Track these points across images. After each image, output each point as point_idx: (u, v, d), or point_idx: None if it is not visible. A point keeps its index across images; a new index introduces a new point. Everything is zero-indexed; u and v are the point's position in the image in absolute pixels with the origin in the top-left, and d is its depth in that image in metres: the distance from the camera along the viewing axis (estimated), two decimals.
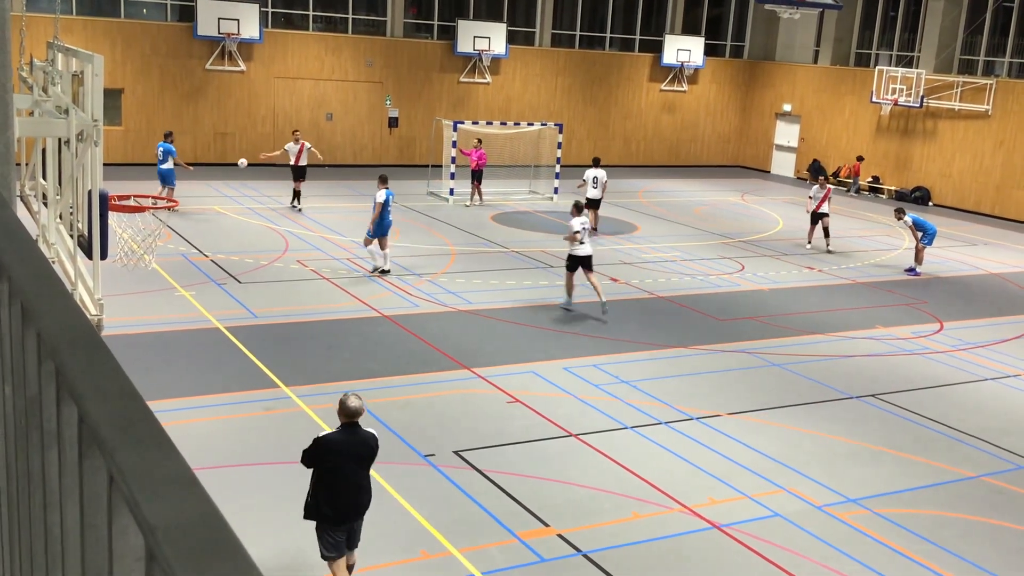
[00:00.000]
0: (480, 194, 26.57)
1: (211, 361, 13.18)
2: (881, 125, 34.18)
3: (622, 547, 9.06)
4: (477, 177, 26.33)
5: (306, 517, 7.75)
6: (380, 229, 17.96)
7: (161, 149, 22.74)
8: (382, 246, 18.13)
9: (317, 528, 7.74)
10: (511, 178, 29.33)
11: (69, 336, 1.56)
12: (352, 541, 7.90)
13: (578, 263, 16.58)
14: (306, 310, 15.95)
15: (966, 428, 12.61)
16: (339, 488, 7.61)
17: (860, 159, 33.90)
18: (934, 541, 9.53)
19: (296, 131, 25.67)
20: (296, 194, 24.19)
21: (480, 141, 26.95)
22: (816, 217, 23.34)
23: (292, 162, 24.03)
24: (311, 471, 7.73)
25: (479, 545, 8.87)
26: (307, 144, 24.34)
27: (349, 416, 7.72)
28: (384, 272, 18.18)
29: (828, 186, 23.63)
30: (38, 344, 1.66)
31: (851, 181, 33.91)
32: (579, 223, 16.47)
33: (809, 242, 23.62)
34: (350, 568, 7.97)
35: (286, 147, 24.24)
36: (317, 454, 7.63)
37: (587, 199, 22.45)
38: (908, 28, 34.77)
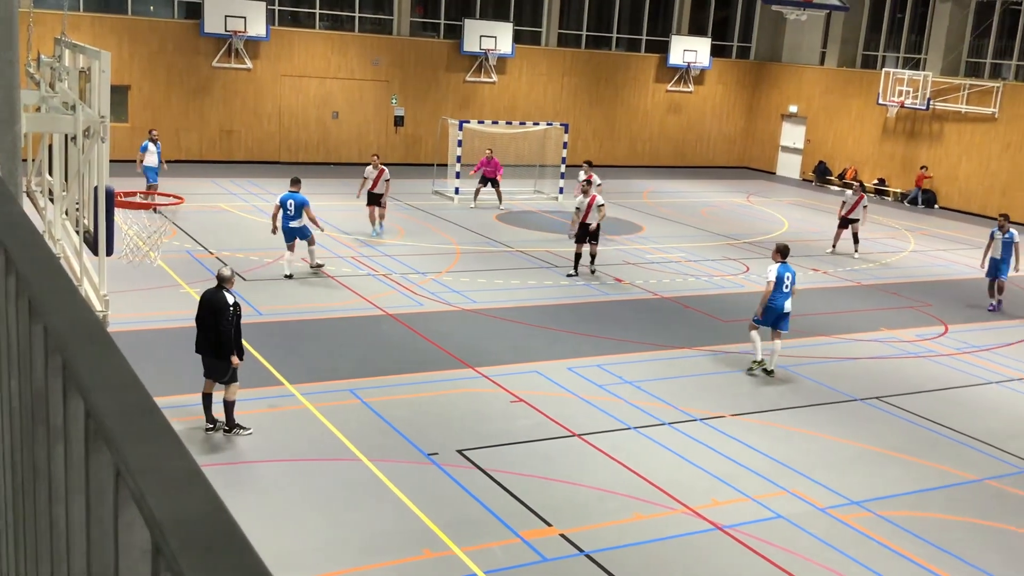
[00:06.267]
0: (499, 196, 26.36)
1: None
2: (887, 127, 34.12)
3: (624, 547, 9.06)
4: (487, 181, 26.21)
5: None
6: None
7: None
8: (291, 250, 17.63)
9: None
10: (516, 178, 29.31)
11: (76, 331, 1.57)
12: (212, 374, 10.62)
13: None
14: (311, 308, 15.96)
15: (970, 431, 12.58)
16: (199, 329, 10.69)
17: (924, 168, 32.55)
18: (938, 544, 9.51)
19: (375, 155, 22.78)
20: (378, 219, 21.60)
21: (491, 151, 26.67)
22: (845, 222, 23.13)
23: (370, 187, 21.43)
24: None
25: (481, 544, 8.87)
26: (387, 172, 21.37)
27: (218, 280, 10.76)
28: (288, 276, 17.48)
29: (861, 192, 23.35)
30: (45, 338, 1.67)
31: (912, 191, 32.74)
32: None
33: (833, 247, 23.35)
34: (227, 402, 10.64)
35: (365, 173, 21.58)
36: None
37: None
38: (915, 30, 34.69)
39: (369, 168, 21.48)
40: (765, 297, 14.03)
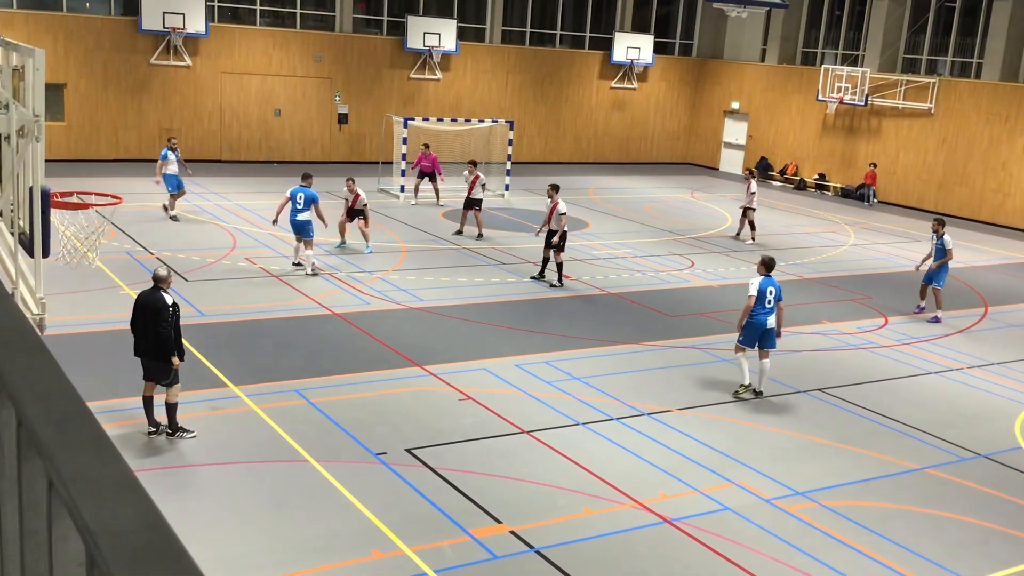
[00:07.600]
0: (437, 193, 26.31)
1: None
2: (827, 123, 34.65)
3: (574, 543, 9.09)
4: (425, 176, 26.10)
5: None
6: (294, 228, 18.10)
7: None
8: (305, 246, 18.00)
9: None
10: (462, 175, 29.21)
11: (7, 337, 1.52)
12: (152, 376, 10.52)
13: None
14: (255, 308, 15.78)
15: (911, 421, 12.83)
16: (135, 330, 10.51)
17: (873, 166, 32.41)
18: (880, 532, 9.68)
19: (351, 179, 20.16)
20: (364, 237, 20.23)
21: (427, 146, 26.53)
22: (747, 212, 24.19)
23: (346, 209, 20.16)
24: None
25: (431, 543, 8.85)
26: (363, 195, 19.91)
27: (153, 280, 10.59)
28: (309, 272, 17.85)
29: (749, 180, 24.30)
30: None
31: (865, 189, 32.42)
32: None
33: (752, 237, 24.19)
34: (169, 404, 10.51)
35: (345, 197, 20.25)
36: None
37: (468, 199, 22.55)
38: (853, 27, 35.28)
39: (344, 191, 20.14)
40: (746, 312, 12.98)
